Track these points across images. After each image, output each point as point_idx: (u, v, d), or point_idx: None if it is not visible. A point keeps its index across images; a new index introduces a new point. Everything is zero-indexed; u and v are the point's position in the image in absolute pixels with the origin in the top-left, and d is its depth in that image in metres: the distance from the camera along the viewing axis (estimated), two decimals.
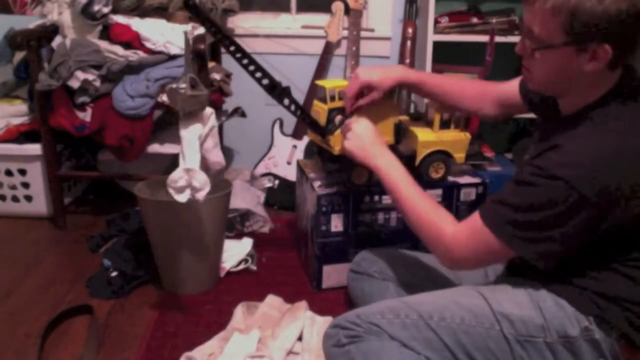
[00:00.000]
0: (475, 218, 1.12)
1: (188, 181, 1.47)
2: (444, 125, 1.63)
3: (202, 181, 1.47)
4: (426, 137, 1.63)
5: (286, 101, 1.45)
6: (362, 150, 1.41)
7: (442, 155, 1.65)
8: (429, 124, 1.67)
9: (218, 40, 1.33)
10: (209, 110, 1.56)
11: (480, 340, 1.11)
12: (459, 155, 1.67)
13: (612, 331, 1.08)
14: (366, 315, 1.14)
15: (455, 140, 1.65)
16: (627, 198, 1.01)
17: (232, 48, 1.31)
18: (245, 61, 1.34)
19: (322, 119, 1.57)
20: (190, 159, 1.49)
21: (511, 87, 1.41)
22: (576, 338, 1.08)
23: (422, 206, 1.24)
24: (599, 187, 0.99)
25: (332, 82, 1.61)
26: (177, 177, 1.46)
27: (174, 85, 1.47)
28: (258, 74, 1.37)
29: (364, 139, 1.41)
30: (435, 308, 1.14)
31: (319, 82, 1.62)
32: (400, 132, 1.66)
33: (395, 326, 1.12)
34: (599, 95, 1.07)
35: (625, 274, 1.08)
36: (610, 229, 1.03)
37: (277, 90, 1.42)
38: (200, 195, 1.48)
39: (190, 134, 1.52)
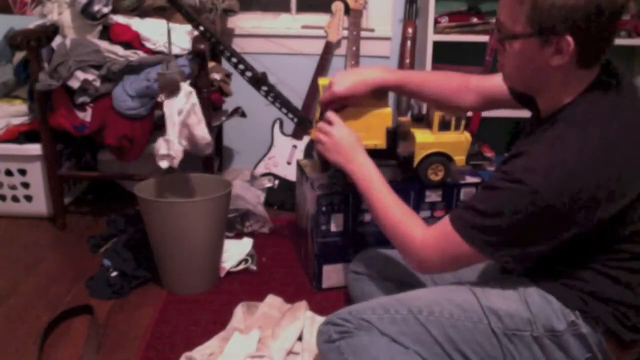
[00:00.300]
0: (445, 223, 1.13)
1: (167, 150, 1.69)
2: (444, 126, 1.61)
3: (176, 150, 1.69)
4: (424, 139, 1.62)
5: (264, 88, 1.51)
6: (338, 155, 1.42)
7: (441, 157, 1.64)
8: (429, 125, 1.65)
9: (201, 34, 1.38)
10: (187, 89, 1.74)
11: (469, 334, 1.12)
12: (459, 158, 1.64)
13: (598, 326, 1.09)
14: (357, 311, 1.16)
15: (455, 142, 1.63)
16: (592, 202, 1.00)
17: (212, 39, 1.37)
18: (228, 54, 1.39)
19: (317, 114, 1.57)
20: (169, 131, 1.72)
21: (496, 82, 1.38)
22: (562, 332, 1.09)
23: (393, 211, 1.25)
24: (561, 192, 0.99)
25: (325, 79, 1.60)
26: (158, 145, 1.70)
27: (160, 71, 1.68)
28: (241, 66, 1.43)
29: (342, 143, 1.41)
30: (425, 303, 1.15)
31: (320, 79, 1.62)
32: (397, 136, 1.65)
33: (385, 321, 1.14)
34: (572, 96, 1.06)
35: (608, 274, 1.08)
36: (583, 232, 1.03)
37: (252, 80, 1.52)
38: (175, 163, 1.70)
39: (169, 109, 1.73)
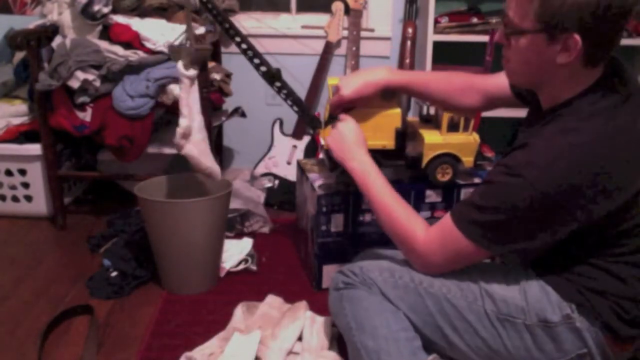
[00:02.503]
0: (446, 220, 1.14)
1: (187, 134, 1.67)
2: (453, 127, 1.60)
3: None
4: (433, 140, 1.61)
5: (278, 85, 1.52)
6: (341, 151, 1.42)
7: (449, 158, 1.63)
8: (438, 126, 1.64)
9: (225, 30, 1.41)
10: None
11: (461, 311, 1.17)
12: (468, 159, 1.64)
13: (597, 321, 1.10)
14: (366, 268, 1.25)
15: (464, 143, 1.62)
16: (590, 195, 1.01)
17: (236, 38, 1.40)
18: (244, 47, 1.41)
19: (326, 114, 1.57)
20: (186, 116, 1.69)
21: (498, 80, 1.40)
22: (556, 324, 1.11)
23: (395, 211, 1.25)
24: (560, 186, 1.00)
25: (335, 79, 1.60)
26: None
27: (176, 43, 1.66)
28: (256, 60, 1.44)
29: (345, 140, 1.42)
30: (428, 277, 1.20)
31: (330, 79, 1.63)
32: (406, 136, 1.64)
33: (388, 284, 1.22)
34: (576, 92, 1.07)
35: (608, 269, 1.10)
36: (582, 226, 1.04)
37: (267, 76, 1.52)
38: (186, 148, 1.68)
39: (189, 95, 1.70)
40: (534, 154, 1.03)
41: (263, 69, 1.53)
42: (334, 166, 1.66)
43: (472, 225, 1.09)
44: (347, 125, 1.44)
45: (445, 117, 1.59)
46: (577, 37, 0.99)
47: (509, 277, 1.18)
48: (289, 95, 1.54)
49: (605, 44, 1.02)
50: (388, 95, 1.56)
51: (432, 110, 1.72)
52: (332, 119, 1.52)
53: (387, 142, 1.60)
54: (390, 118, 1.58)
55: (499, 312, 1.14)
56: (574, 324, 1.10)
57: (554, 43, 1.02)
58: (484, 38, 2.28)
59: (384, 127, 1.58)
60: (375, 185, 1.31)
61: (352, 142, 1.41)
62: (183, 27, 2.03)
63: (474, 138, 1.63)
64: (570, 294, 1.11)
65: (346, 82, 1.49)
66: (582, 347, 1.11)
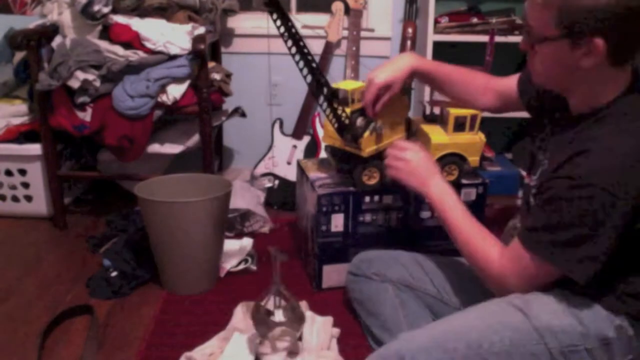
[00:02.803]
0: (517, 245, 1.12)
1: None
2: (459, 127, 1.60)
3: None
4: (439, 140, 1.61)
5: (329, 109, 1.46)
6: (413, 178, 1.39)
7: (456, 158, 1.63)
8: (443, 126, 1.64)
9: (289, 37, 1.32)
10: None
11: (529, 357, 1.07)
12: (473, 159, 1.64)
13: (638, 326, 1.09)
14: (411, 354, 1.05)
15: (470, 143, 1.62)
16: None
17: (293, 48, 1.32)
18: (298, 58, 1.35)
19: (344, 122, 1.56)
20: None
21: (511, 82, 1.42)
22: (613, 339, 1.08)
23: (469, 232, 1.24)
24: (629, 186, 0.99)
25: (349, 84, 1.60)
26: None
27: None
28: (304, 69, 1.37)
29: (418, 168, 1.39)
30: (482, 334, 1.08)
31: (338, 85, 1.60)
32: (411, 127, 1.68)
33: None
34: (615, 93, 1.07)
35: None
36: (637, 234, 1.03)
37: (319, 90, 1.44)
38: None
39: None
40: (597, 159, 1.00)
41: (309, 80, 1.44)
42: (345, 167, 1.67)
43: (547, 247, 1.06)
44: (414, 154, 1.41)
45: (452, 117, 1.59)
46: (599, 40, 0.99)
47: (550, 301, 1.11)
48: (336, 110, 1.50)
49: (630, 43, 1.02)
50: (405, 89, 1.57)
51: (436, 110, 1.72)
52: (369, 122, 1.52)
53: (403, 133, 1.65)
54: (403, 108, 1.62)
55: (562, 346, 1.07)
56: (626, 333, 1.08)
57: (577, 47, 1.02)
58: (484, 38, 2.28)
59: (399, 118, 1.61)
60: (452, 211, 1.29)
61: (425, 169, 1.38)
62: (183, 27, 2.03)
63: (479, 138, 1.64)
64: (615, 305, 1.08)
65: (376, 72, 1.50)
66: (629, 353, 1.09)
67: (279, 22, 1.30)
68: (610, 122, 1.05)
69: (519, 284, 1.13)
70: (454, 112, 1.59)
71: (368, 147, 1.57)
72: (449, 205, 1.30)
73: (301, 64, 1.36)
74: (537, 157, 1.26)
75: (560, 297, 1.11)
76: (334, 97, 1.47)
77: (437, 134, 1.62)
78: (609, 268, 1.05)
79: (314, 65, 1.38)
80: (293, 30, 1.31)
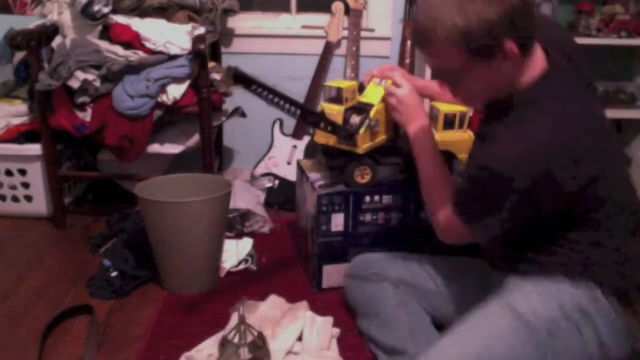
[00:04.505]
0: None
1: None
2: (448, 125, 1.62)
3: None
4: None
5: (322, 124, 1.54)
6: (400, 114, 1.47)
7: (446, 155, 1.64)
8: (433, 123, 1.65)
9: (269, 94, 1.40)
10: None
11: (527, 348, 1.12)
12: (463, 156, 1.66)
13: (610, 292, 1.12)
14: None
15: (459, 140, 1.64)
16: (556, 181, 1.05)
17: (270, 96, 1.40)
18: (278, 100, 1.42)
19: (339, 120, 1.58)
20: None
21: None
22: (592, 311, 1.11)
23: (435, 179, 1.35)
24: (527, 173, 1.04)
25: (342, 82, 1.63)
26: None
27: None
28: (292, 108, 1.45)
29: (405, 105, 1.46)
30: (480, 351, 1.13)
31: (330, 83, 1.63)
32: (399, 128, 1.67)
33: None
34: (533, 77, 1.11)
35: (591, 242, 1.13)
36: (551, 208, 1.09)
37: (312, 118, 1.53)
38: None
39: None
40: (498, 146, 1.09)
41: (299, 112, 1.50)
42: (335, 164, 1.67)
43: (463, 212, 1.18)
44: (406, 91, 1.47)
45: (441, 115, 1.61)
46: (509, 42, 1.04)
47: (534, 294, 1.15)
48: (332, 125, 1.56)
49: (530, 30, 1.07)
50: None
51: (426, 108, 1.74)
52: (364, 119, 1.55)
53: (391, 133, 1.66)
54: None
55: (549, 329, 1.12)
56: (604, 304, 1.11)
57: (493, 60, 1.06)
58: None
59: (389, 119, 1.62)
60: (425, 151, 1.39)
61: (411, 107, 1.46)
62: (183, 27, 2.03)
63: (468, 135, 1.65)
64: (578, 274, 1.13)
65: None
66: (612, 324, 1.12)
67: (256, 89, 1.37)
68: (517, 110, 1.11)
69: (452, 237, 1.28)
70: (443, 110, 1.61)
71: (364, 144, 1.57)
72: (424, 145, 1.40)
73: (287, 106, 1.43)
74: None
75: (535, 285, 1.16)
76: (322, 119, 1.54)
77: None
78: (554, 239, 1.14)
79: (297, 103, 1.45)
80: (269, 88, 1.39)
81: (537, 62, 1.12)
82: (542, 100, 1.09)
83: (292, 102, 1.44)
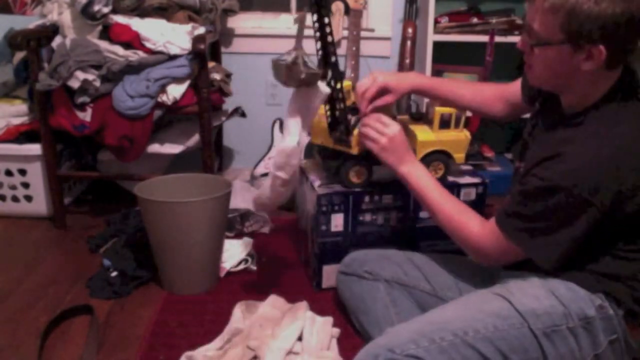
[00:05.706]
0: (494, 222, 1.19)
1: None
2: (444, 125, 1.63)
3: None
4: (425, 137, 1.62)
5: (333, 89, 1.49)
6: (391, 154, 1.43)
7: (442, 155, 1.65)
8: (429, 123, 1.67)
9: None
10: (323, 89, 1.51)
11: (515, 341, 1.12)
12: (459, 156, 1.67)
13: (620, 308, 1.13)
14: (400, 347, 1.08)
15: (455, 140, 1.64)
16: (628, 198, 1.05)
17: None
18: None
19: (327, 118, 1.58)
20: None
21: (516, 87, 1.45)
22: (594, 318, 1.12)
23: (450, 208, 1.31)
24: (599, 191, 1.03)
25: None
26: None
27: (281, 59, 1.55)
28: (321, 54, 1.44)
29: (397, 143, 1.42)
30: (466, 323, 1.13)
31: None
32: None
33: (433, 352, 1.09)
34: (599, 95, 1.10)
35: (623, 257, 1.13)
36: (612, 224, 1.08)
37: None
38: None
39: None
40: (569, 162, 1.06)
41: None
42: (332, 164, 1.67)
43: (519, 233, 1.14)
44: (397, 131, 1.43)
45: (437, 115, 1.61)
46: (601, 47, 1.02)
47: (531, 286, 1.17)
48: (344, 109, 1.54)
49: (627, 49, 1.06)
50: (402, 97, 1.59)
51: (422, 108, 1.74)
52: (358, 120, 1.53)
53: None
54: (387, 112, 1.60)
55: (545, 327, 1.12)
56: (607, 312, 1.12)
57: (579, 52, 1.05)
58: (484, 38, 2.28)
59: None
60: (431, 190, 1.36)
61: (403, 148, 1.43)
62: (183, 27, 2.03)
63: (464, 135, 1.65)
64: (593, 286, 1.13)
65: (384, 75, 1.52)
66: (612, 333, 1.13)
67: (321, 21, 1.40)
68: (588, 126, 1.09)
69: (494, 254, 1.21)
70: (439, 110, 1.61)
71: (359, 144, 1.57)
72: (426, 184, 1.37)
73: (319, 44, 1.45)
74: (528, 143, 1.30)
75: (539, 281, 1.17)
76: (339, 91, 1.50)
77: (423, 132, 1.63)
78: (584, 250, 1.12)
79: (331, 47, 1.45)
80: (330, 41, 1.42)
81: (612, 80, 1.10)
82: (608, 117, 1.08)
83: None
